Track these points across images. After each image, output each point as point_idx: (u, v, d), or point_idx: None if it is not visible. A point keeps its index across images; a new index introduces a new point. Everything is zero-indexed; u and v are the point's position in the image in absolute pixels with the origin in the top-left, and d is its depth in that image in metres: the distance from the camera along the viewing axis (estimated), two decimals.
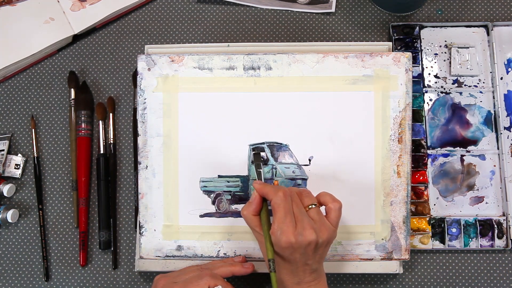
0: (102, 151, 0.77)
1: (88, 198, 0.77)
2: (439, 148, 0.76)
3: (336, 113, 0.71)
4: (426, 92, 0.77)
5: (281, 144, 0.71)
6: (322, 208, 0.62)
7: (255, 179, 0.67)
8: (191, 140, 0.72)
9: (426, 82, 0.78)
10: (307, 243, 0.58)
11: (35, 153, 0.78)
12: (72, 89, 0.79)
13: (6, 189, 0.75)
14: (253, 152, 0.70)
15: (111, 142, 0.78)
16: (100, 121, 0.78)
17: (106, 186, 0.76)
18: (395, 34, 0.78)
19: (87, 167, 0.77)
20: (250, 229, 0.65)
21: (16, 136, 0.79)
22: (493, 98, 0.76)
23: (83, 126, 0.77)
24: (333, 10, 0.81)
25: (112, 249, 0.75)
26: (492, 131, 0.76)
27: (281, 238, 0.58)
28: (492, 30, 0.77)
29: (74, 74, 0.80)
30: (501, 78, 0.77)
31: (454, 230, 0.73)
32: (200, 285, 0.61)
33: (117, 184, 0.77)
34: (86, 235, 0.75)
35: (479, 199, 0.74)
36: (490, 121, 0.76)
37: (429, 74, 0.78)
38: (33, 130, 0.78)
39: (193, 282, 0.61)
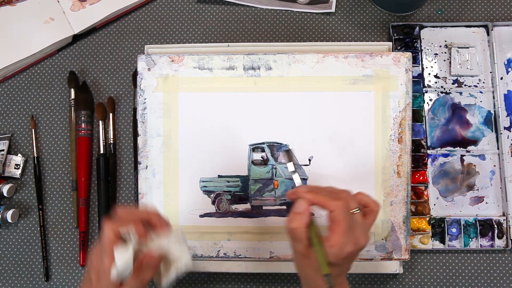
0: (102, 151, 0.77)
1: (88, 198, 0.77)
2: (439, 148, 0.76)
3: (336, 113, 0.71)
4: (426, 92, 0.77)
5: (281, 144, 0.71)
6: None
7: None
8: (191, 140, 0.72)
9: (426, 82, 0.78)
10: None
11: (35, 153, 0.78)
12: (72, 89, 0.79)
13: (6, 189, 0.75)
14: (285, 150, 0.63)
15: (111, 142, 0.78)
16: (100, 121, 0.78)
17: (106, 186, 0.76)
18: (395, 34, 0.78)
19: (87, 167, 0.77)
20: (292, 242, 0.57)
21: (16, 136, 0.79)
22: (493, 98, 0.76)
23: (83, 126, 0.77)
24: (333, 10, 0.81)
25: None
26: (492, 131, 0.76)
27: (344, 249, 0.54)
28: (492, 30, 0.77)
29: (74, 74, 0.80)
30: (501, 78, 0.77)
31: (454, 230, 0.73)
32: (104, 234, 0.53)
33: (117, 184, 0.77)
34: (86, 235, 0.75)
35: (479, 199, 0.74)
36: (490, 121, 0.76)
37: (429, 74, 0.78)
38: (33, 130, 0.79)
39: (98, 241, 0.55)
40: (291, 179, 0.70)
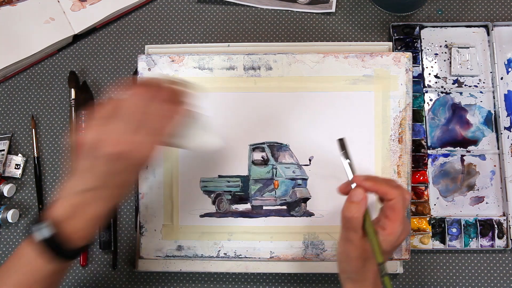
0: None
1: None
2: (439, 148, 0.76)
3: (336, 113, 0.71)
4: (426, 92, 0.77)
5: (281, 144, 0.71)
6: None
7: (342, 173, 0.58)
8: None
9: (426, 82, 0.78)
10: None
11: (35, 153, 0.78)
12: (72, 89, 0.79)
13: (6, 189, 0.75)
14: (339, 139, 0.58)
15: None
16: None
17: None
18: (395, 34, 0.78)
19: None
20: (345, 232, 0.56)
21: (16, 136, 0.79)
22: (493, 98, 0.76)
23: (83, 126, 0.77)
24: (333, 10, 0.81)
25: (112, 249, 0.75)
26: (492, 131, 0.76)
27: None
28: (492, 30, 0.77)
29: (74, 74, 0.80)
30: (501, 78, 0.77)
31: (454, 230, 0.73)
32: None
33: None
34: None
35: (479, 199, 0.74)
36: (490, 121, 0.76)
37: (429, 74, 0.78)
38: (33, 130, 0.79)
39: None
40: (292, 179, 0.70)
